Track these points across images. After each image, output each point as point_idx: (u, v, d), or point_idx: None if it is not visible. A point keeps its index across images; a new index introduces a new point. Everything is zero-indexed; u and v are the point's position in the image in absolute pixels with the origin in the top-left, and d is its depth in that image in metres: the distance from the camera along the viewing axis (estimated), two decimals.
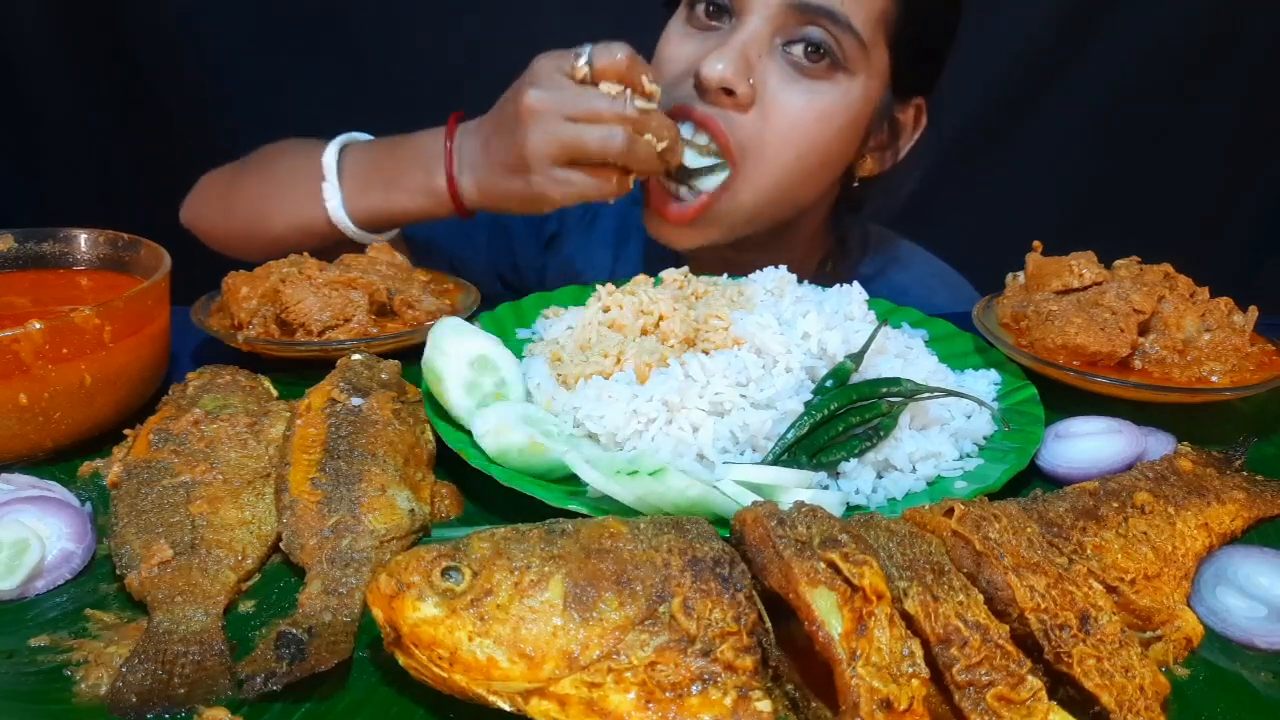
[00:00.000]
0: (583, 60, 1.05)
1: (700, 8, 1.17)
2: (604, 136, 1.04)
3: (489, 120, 1.12)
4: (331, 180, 1.17)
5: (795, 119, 1.14)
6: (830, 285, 1.03)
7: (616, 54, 1.04)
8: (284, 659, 0.58)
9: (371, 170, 1.19)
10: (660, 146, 1.07)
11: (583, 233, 1.50)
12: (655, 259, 1.39)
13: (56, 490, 0.77)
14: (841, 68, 1.13)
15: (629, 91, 1.05)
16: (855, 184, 1.28)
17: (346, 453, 0.76)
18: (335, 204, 1.17)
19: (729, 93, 1.11)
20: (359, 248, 1.15)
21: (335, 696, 0.59)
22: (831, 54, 1.12)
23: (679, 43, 1.20)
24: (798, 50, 1.12)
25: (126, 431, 0.84)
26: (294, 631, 0.60)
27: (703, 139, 1.15)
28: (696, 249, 1.24)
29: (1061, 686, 0.58)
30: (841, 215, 1.39)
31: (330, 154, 1.18)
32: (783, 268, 1.06)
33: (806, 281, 1.07)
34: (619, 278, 1.05)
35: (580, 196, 1.08)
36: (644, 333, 0.94)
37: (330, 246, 1.17)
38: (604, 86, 1.04)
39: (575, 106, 1.04)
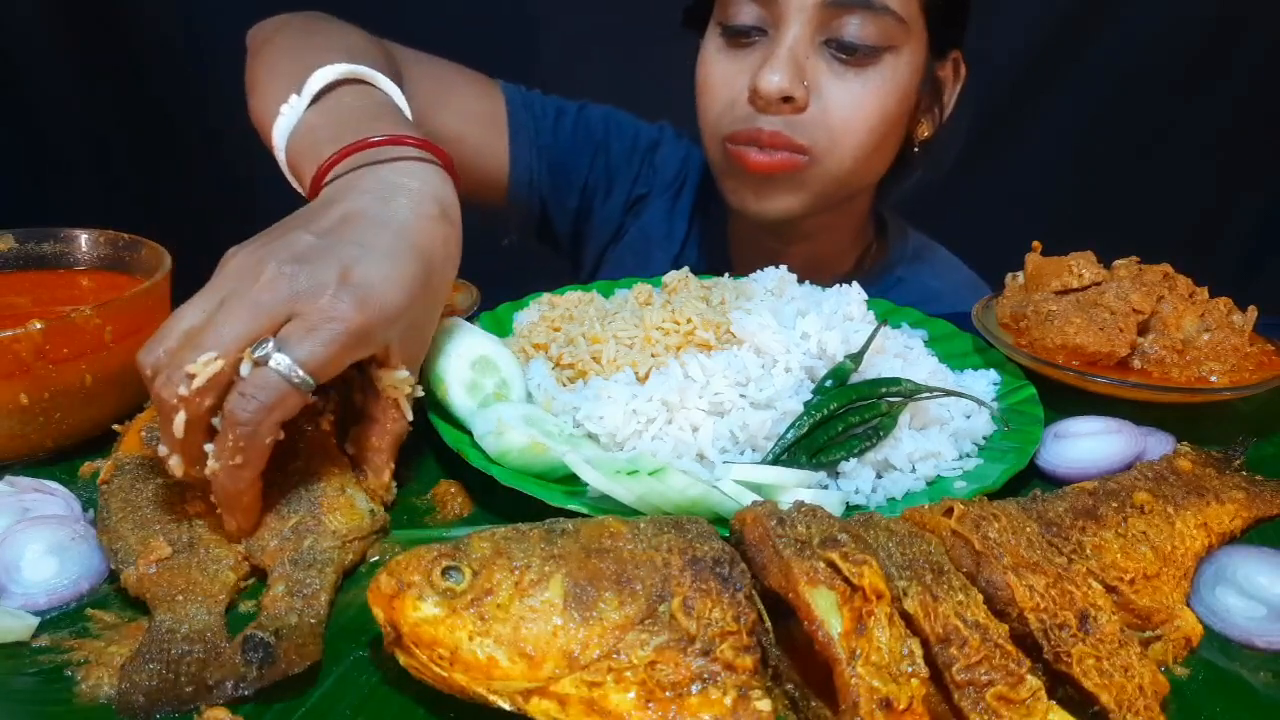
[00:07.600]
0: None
1: (735, 28, 1.18)
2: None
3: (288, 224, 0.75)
4: (303, 99, 0.88)
5: (855, 107, 1.17)
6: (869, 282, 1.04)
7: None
8: (253, 663, 0.58)
9: (339, 118, 0.87)
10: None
11: (669, 200, 1.51)
12: (717, 248, 1.41)
13: (57, 491, 0.77)
14: (886, 48, 1.16)
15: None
16: (915, 149, 1.31)
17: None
18: (285, 123, 0.89)
19: (788, 99, 1.14)
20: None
21: (335, 695, 0.59)
22: (874, 40, 1.15)
23: (721, 64, 1.22)
24: (840, 44, 1.15)
25: (116, 427, 0.83)
26: (260, 635, 0.60)
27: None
28: (775, 219, 1.26)
29: (1061, 686, 0.58)
30: (886, 195, 1.41)
31: (323, 75, 0.88)
32: (783, 268, 1.06)
33: (808, 282, 1.07)
34: (685, 256, 1.03)
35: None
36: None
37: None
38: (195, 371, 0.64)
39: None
